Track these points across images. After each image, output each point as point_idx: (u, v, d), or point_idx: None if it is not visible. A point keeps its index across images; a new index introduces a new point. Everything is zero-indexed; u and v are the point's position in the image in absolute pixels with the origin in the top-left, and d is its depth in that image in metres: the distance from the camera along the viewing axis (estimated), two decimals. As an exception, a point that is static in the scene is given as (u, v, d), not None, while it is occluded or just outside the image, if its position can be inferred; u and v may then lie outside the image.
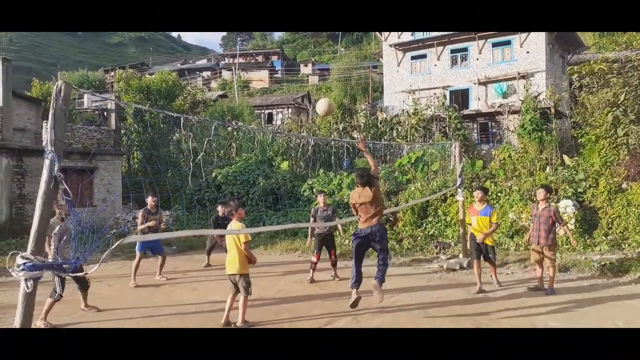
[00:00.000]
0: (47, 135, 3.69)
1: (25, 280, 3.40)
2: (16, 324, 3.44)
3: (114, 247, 5.02)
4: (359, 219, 6.05)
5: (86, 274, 4.11)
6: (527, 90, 21.59)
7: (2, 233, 14.41)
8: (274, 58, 65.16)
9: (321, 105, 6.68)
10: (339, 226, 9.65)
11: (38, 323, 6.36)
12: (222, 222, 10.24)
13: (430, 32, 26.93)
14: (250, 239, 6.34)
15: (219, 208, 10.94)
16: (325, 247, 9.11)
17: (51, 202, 3.62)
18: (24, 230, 13.81)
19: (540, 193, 8.00)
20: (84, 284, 7.09)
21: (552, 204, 8.25)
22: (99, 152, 17.67)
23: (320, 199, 9.43)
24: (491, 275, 8.25)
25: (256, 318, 6.54)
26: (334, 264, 9.13)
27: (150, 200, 9.10)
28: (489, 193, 8.44)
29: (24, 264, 3.35)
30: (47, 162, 3.53)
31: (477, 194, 8.18)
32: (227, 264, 6.27)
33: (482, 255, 7.93)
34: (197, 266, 10.86)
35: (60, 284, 6.58)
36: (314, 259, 9.00)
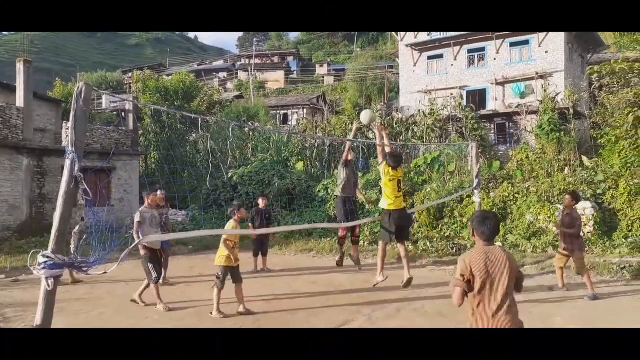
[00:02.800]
0: (67, 136, 3.75)
1: (47, 278, 3.46)
2: (37, 321, 3.50)
3: (132, 246, 5.10)
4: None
5: (105, 272, 4.18)
6: (545, 91, 21.30)
7: (22, 232, 14.68)
8: (290, 59, 65.25)
9: (365, 117, 7.46)
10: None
11: (159, 307, 7.11)
12: (262, 215, 10.32)
13: (447, 32, 26.76)
14: (231, 238, 6.80)
15: (260, 201, 10.80)
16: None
17: (72, 202, 3.68)
18: (43, 229, 14.06)
19: (566, 199, 7.84)
20: (158, 274, 7.39)
21: (574, 208, 8.06)
22: (117, 153, 17.91)
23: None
24: None
25: (270, 317, 6.58)
26: (356, 242, 8.31)
27: (158, 194, 8.54)
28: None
29: (45, 262, 3.42)
30: (67, 162, 3.58)
31: None
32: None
33: None
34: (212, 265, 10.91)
35: (153, 269, 7.16)
36: (341, 232, 8.18)
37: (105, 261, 4.07)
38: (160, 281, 8.86)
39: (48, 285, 3.47)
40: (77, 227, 8.57)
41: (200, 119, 5.80)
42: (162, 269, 7.60)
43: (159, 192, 8.92)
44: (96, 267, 3.84)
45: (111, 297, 7.81)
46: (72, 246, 8.25)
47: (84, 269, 3.66)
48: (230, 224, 7.06)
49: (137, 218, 7.28)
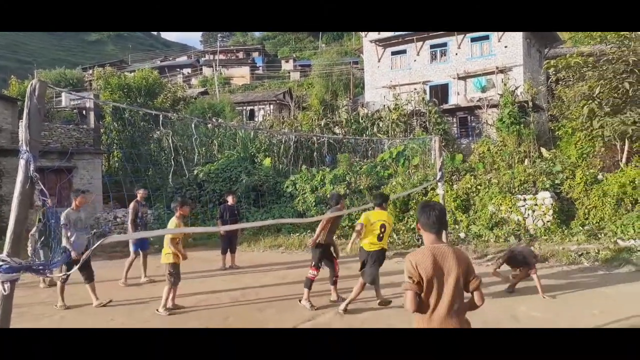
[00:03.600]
0: (22, 134, 3.64)
1: (2, 282, 3.36)
2: (-7, 326, 3.40)
3: (94, 247, 5.00)
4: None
5: (67, 274, 4.09)
6: (505, 85, 21.86)
7: (-21, 235, 14.13)
8: (255, 54, 64.80)
9: None
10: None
11: (59, 304, 7.08)
12: (231, 211, 10.46)
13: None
14: (176, 237, 6.69)
15: (229, 198, 10.80)
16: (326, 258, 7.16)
17: (27, 204, 3.58)
18: (1, 232, 13.58)
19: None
20: (89, 275, 7.14)
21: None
22: (77, 151, 17.42)
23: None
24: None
25: (239, 314, 6.57)
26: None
27: (141, 192, 9.12)
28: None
29: (1, 266, 3.32)
30: (22, 162, 3.48)
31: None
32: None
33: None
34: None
35: (67, 270, 6.79)
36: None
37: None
38: (143, 279, 8.84)
39: (4, 289, 3.37)
40: (34, 229, 8.31)
41: (161, 116, 5.72)
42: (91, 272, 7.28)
43: (141, 191, 9.19)
44: (56, 269, 3.76)
45: (73, 300, 7.60)
46: (29, 248, 8.02)
47: (43, 272, 3.57)
48: (173, 222, 6.86)
49: (62, 220, 6.89)
